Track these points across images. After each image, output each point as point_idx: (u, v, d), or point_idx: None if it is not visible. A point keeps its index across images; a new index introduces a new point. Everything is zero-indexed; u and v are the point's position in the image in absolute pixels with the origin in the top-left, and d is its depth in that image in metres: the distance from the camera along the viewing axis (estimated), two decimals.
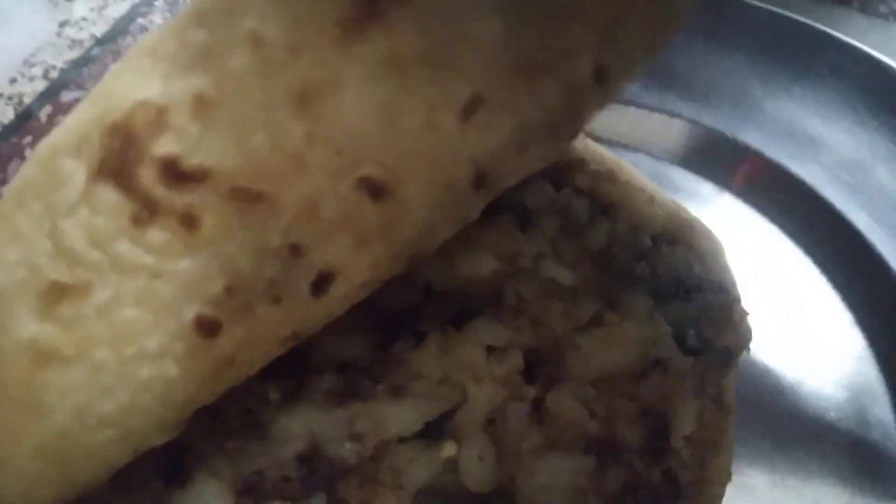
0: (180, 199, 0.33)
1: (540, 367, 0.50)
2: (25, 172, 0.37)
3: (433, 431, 0.47)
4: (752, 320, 0.54)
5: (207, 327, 0.35)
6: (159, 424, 0.37)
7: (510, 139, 0.37)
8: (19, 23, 0.98)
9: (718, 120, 0.65)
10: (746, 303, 0.56)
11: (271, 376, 0.50)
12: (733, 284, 0.56)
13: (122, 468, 0.46)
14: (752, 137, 0.65)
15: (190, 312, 0.34)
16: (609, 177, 0.62)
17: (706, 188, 0.64)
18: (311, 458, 0.46)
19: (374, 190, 0.36)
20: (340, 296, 0.38)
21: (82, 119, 0.36)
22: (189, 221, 0.33)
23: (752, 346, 0.54)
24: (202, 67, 0.33)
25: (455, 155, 0.36)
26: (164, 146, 0.33)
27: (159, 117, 0.33)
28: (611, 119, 0.68)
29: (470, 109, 0.35)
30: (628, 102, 0.68)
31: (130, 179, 0.33)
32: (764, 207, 0.62)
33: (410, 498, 0.45)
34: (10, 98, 0.88)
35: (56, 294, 0.33)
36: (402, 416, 0.48)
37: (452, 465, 0.46)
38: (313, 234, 0.35)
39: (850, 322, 0.57)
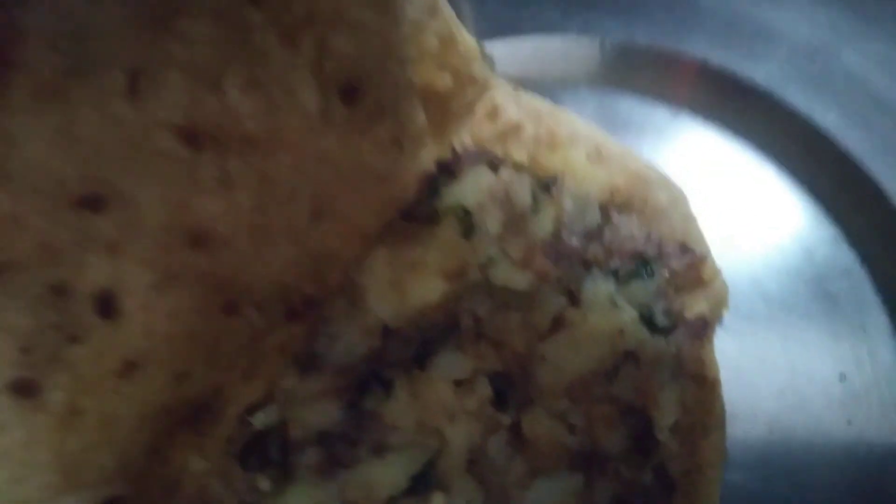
0: None
1: (510, 391, 0.49)
2: None
3: (420, 485, 0.48)
4: (725, 272, 0.51)
5: (23, 387, 0.38)
6: (52, 487, 0.40)
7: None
8: None
9: (652, 33, 0.57)
10: (719, 245, 0.52)
11: (259, 468, 0.52)
12: (699, 237, 0.52)
13: None
14: (695, 45, 0.56)
15: (1, 382, 0.37)
16: (548, 140, 0.57)
17: (658, 114, 0.57)
18: None
19: (93, 202, 0.38)
20: (137, 307, 0.40)
21: None
22: None
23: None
24: None
25: (144, 129, 0.38)
26: None
27: None
28: (540, 55, 0.61)
29: (133, 88, 0.37)
30: (551, 30, 0.60)
31: None
32: (724, 121, 0.56)
33: None
34: None
35: None
36: (388, 476, 0.49)
37: None
38: (62, 267, 0.38)
39: (838, 237, 0.52)
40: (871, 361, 0.48)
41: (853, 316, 0.50)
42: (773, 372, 0.49)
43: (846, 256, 0.51)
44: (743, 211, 0.54)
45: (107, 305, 0.40)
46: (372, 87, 0.47)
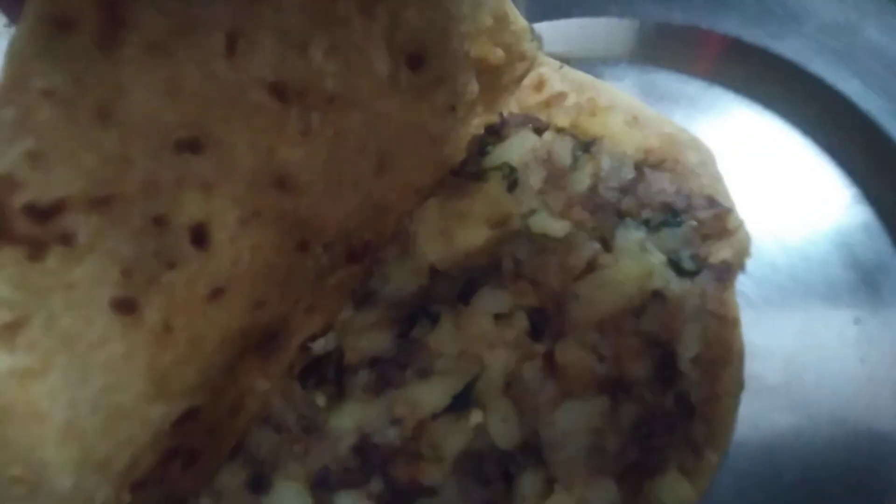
0: (53, 228, 0.40)
1: (545, 324, 0.54)
2: None
3: (460, 403, 0.53)
4: (750, 226, 0.55)
5: (124, 305, 0.43)
6: (145, 395, 0.45)
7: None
8: None
9: (688, 14, 0.62)
10: (746, 203, 0.56)
11: (316, 386, 0.58)
12: (725, 193, 0.56)
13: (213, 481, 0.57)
14: (729, 24, 0.61)
15: (104, 300, 0.42)
16: (589, 107, 0.62)
17: (693, 86, 0.62)
18: (364, 448, 0.54)
19: (192, 146, 0.42)
20: (226, 239, 0.45)
21: None
22: (67, 241, 0.40)
23: (753, 249, 0.55)
24: (21, 132, 0.39)
25: (239, 84, 0.43)
26: (21, 198, 0.39)
27: (8, 180, 0.39)
28: (584, 35, 0.67)
29: (231, 48, 0.42)
30: (595, 13, 0.66)
31: (11, 232, 0.40)
32: (754, 93, 0.60)
33: (450, 466, 0.52)
34: None
35: (8, 332, 0.41)
36: (432, 395, 0.54)
37: (481, 430, 0.52)
38: (164, 202, 0.42)
39: (857, 198, 0.56)
40: (886, 307, 0.51)
41: (870, 267, 0.53)
42: (791, 315, 0.52)
43: (865, 213, 0.55)
44: (768, 172, 0.58)
45: (200, 237, 0.44)
46: (434, 57, 0.52)
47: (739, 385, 0.52)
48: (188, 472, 0.53)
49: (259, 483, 0.55)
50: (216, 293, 0.47)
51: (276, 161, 0.47)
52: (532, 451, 0.51)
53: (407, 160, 0.58)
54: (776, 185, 0.58)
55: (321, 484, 0.54)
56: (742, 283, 0.54)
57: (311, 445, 0.55)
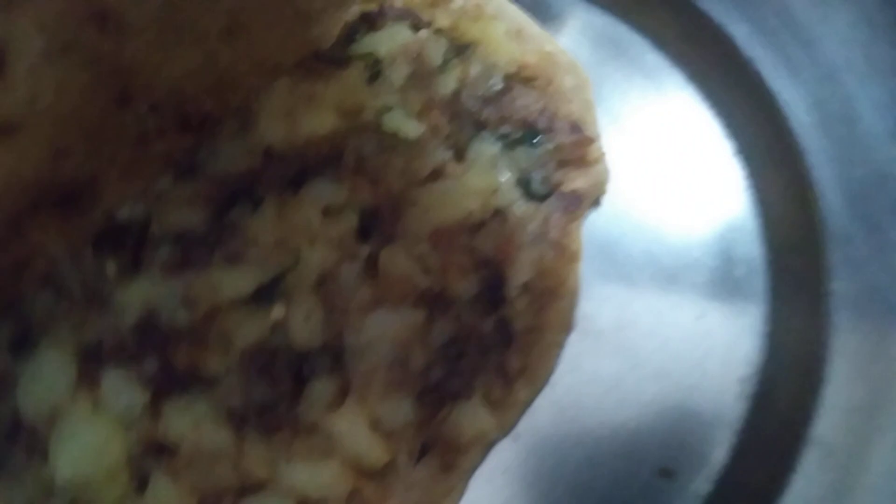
0: None
1: (375, 226, 0.49)
2: None
3: (264, 295, 0.48)
4: (611, 160, 0.51)
5: None
6: None
7: None
8: None
9: None
10: (612, 140, 0.53)
11: (110, 251, 0.52)
12: (593, 124, 0.53)
13: None
14: None
15: None
16: (473, 12, 0.58)
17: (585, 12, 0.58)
18: (146, 326, 0.48)
19: None
20: (24, 70, 0.38)
21: None
22: None
23: (611, 186, 0.52)
24: None
25: None
26: None
27: None
28: None
29: None
30: None
31: None
32: (642, 25, 0.57)
33: (236, 358, 0.46)
34: None
35: None
36: (235, 282, 0.48)
37: (280, 327, 0.47)
38: None
39: (731, 151, 0.53)
40: (735, 278, 0.49)
41: (728, 228, 0.50)
42: (639, 252, 0.50)
43: (726, 145, 0.53)
44: (644, 109, 0.55)
45: None
46: None
47: (567, 324, 0.48)
48: None
49: (22, 343, 0.48)
50: (6, 130, 0.40)
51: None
52: (331, 355, 0.46)
53: (265, 31, 0.52)
54: (649, 122, 0.55)
55: (90, 356, 0.47)
56: (592, 218, 0.51)
57: (90, 316, 0.49)
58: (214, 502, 0.45)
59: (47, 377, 0.48)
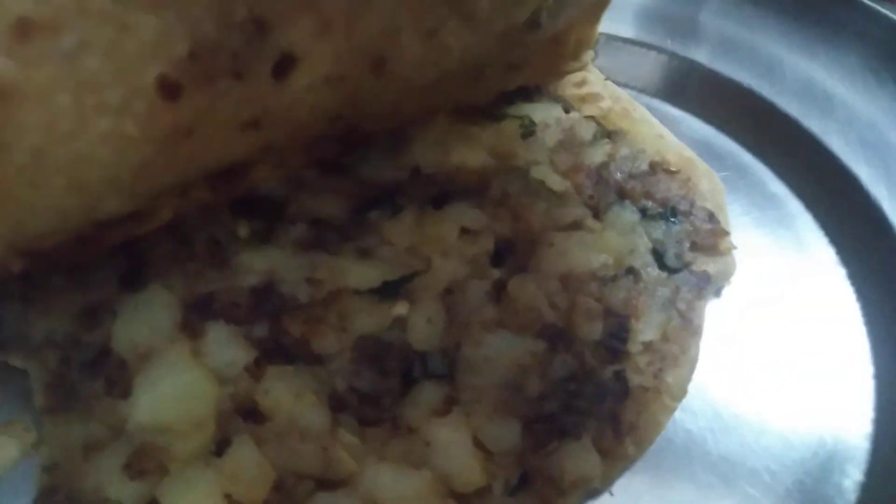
0: None
1: (510, 255, 0.50)
2: None
3: (389, 290, 0.47)
4: (738, 256, 0.53)
5: (169, 89, 0.35)
6: (112, 183, 0.37)
7: None
8: None
9: (735, 70, 0.65)
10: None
11: (245, 215, 0.52)
12: (725, 221, 0.55)
13: (83, 266, 0.48)
14: (767, 90, 0.64)
15: (154, 71, 0.35)
16: (621, 113, 0.62)
17: (720, 138, 0.63)
18: (264, 292, 0.47)
19: None
20: (303, 86, 0.39)
21: None
22: None
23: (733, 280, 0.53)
24: None
25: None
26: None
27: None
28: (631, 62, 0.69)
29: None
30: (651, 48, 0.69)
31: None
32: (770, 157, 0.61)
33: (350, 342, 0.45)
34: None
35: (22, 30, 0.32)
36: (364, 273, 0.48)
37: (402, 323, 0.46)
38: (278, 10, 0.36)
39: (844, 275, 0.54)
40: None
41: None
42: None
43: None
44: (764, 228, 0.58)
45: (283, 68, 0.38)
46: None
47: (682, 391, 0.47)
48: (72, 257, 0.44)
49: (133, 278, 0.47)
50: (250, 125, 0.40)
51: (382, 44, 0.43)
52: (445, 362, 0.45)
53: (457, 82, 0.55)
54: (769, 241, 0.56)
55: (200, 307, 0.46)
56: (712, 307, 0.51)
57: (207, 270, 0.48)
58: (291, 488, 0.41)
59: (151, 315, 0.46)
